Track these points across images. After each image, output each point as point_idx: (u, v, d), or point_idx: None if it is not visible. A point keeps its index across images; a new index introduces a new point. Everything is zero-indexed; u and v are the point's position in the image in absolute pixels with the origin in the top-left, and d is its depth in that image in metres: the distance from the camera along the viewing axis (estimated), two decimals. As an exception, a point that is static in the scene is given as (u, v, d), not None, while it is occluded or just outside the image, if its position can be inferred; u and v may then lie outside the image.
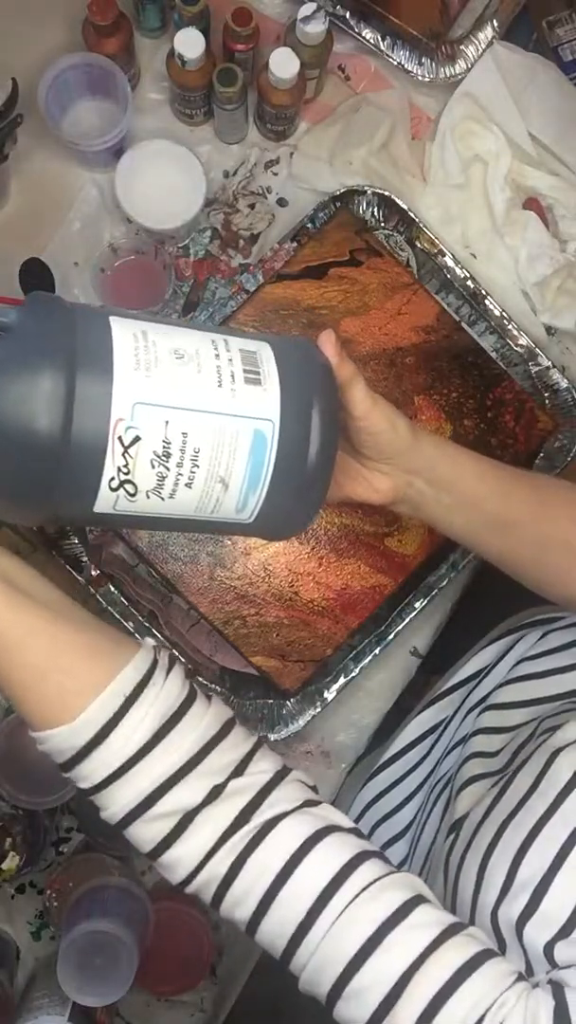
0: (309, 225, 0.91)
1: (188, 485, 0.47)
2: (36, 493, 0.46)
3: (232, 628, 0.86)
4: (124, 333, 0.47)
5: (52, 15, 0.92)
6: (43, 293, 0.48)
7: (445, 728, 0.85)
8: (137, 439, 0.45)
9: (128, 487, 0.46)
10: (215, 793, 0.49)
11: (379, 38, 0.93)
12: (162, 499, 0.47)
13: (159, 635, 0.87)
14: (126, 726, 0.48)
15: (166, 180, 0.89)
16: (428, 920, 0.48)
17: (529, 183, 0.96)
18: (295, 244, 0.91)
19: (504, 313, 0.93)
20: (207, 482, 0.48)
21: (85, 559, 0.86)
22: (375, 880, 0.49)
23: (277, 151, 0.96)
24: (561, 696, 0.75)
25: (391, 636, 0.88)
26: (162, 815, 0.49)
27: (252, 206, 0.94)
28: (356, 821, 0.83)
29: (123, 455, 0.45)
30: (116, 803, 0.49)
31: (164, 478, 0.47)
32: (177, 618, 0.90)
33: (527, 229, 0.95)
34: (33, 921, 0.92)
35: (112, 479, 0.46)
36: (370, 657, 0.88)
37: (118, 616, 0.85)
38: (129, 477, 0.46)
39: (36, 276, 0.90)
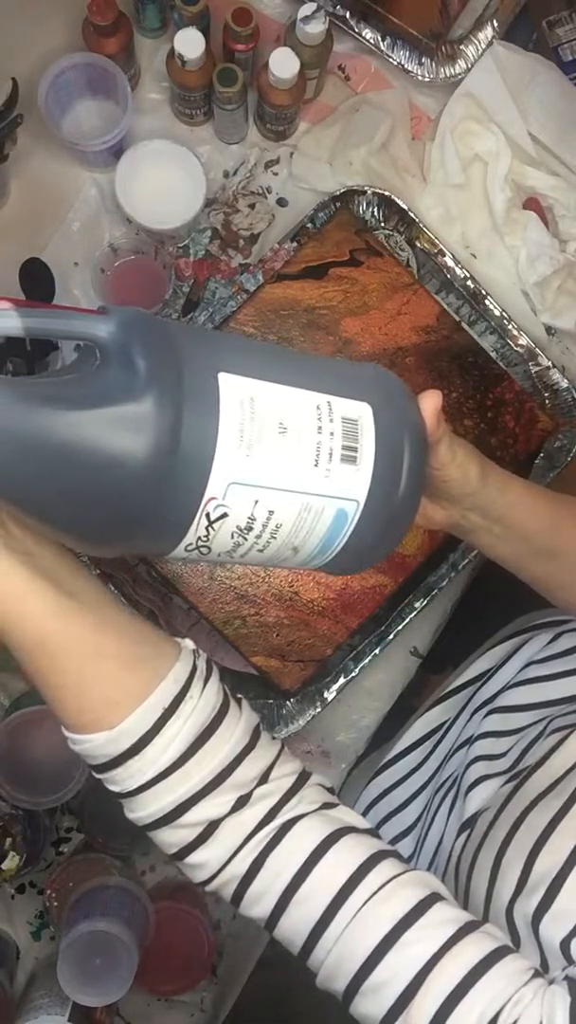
0: (309, 225, 0.91)
1: (261, 551, 0.47)
2: (116, 539, 0.45)
3: (232, 628, 0.86)
4: (232, 399, 0.44)
5: (52, 15, 0.92)
6: (136, 311, 0.45)
7: (450, 727, 0.85)
8: (224, 516, 0.44)
9: (203, 549, 0.46)
10: (241, 803, 0.50)
11: (379, 38, 0.93)
12: (232, 558, 0.48)
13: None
14: (163, 737, 0.48)
15: (166, 180, 0.89)
16: (445, 917, 0.48)
17: (529, 183, 0.96)
18: (295, 244, 0.91)
19: (504, 313, 0.93)
20: (279, 549, 0.48)
21: (85, 559, 0.86)
22: (392, 878, 0.49)
23: (277, 151, 0.96)
24: (569, 699, 0.75)
25: (391, 636, 0.88)
26: (189, 824, 0.50)
27: (252, 206, 0.94)
28: None
29: (207, 528, 0.44)
30: (145, 809, 0.49)
31: (240, 546, 0.46)
32: (177, 618, 0.90)
33: (527, 229, 0.95)
34: (33, 921, 0.92)
35: (189, 544, 0.45)
36: (370, 657, 0.88)
37: (118, 616, 0.85)
38: (207, 544, 0.45)
39: (36, 276, 0.90)
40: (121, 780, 0.49)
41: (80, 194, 0.93)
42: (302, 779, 0.53)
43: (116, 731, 0.48)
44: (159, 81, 0.94)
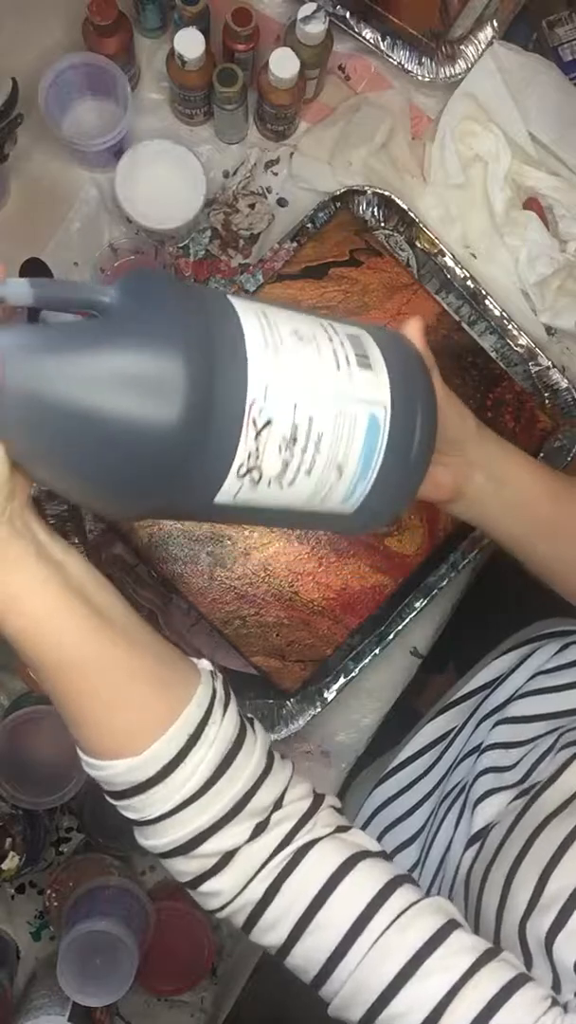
0: (309, 225, 0.91)
1: (308, 472, 0.46)
2: (160, 483, 0.43)
3: (232, 628, 0.86)
4: (248, 313, 0.45)
5: (52, 15, 0.92)
6: (150, 273, 0.46)
7: (457, 735, 0.84)
8: (269, 423, 0.43)
9: (254, 474, 0.44)
10: (258, 830, 0.49)
11: (379, 38, 0.93)
12: (281, 487, 0.46)
13: (159, 635, 0.87)
14: (189, 765, 0.47)
15: (166, 180, 0.89)
16: (463, 946, 0.48)
17: (529, 183, 0.96)
18: (295, 244, 0.91)
19: (504, 313, 0.93)
20: (325, 469, 0.47)
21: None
22: (409, 907, 0.49)
23: (277, 151, 0.96)
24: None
25: (391, 636, 0.88)
26: (205, 854, 0.49)
27: (252, 206, 0.94)
28: (365, 826, 0.84)
29: (255, 439, 0.43)
30: (163, 838, 0.48)
31: (288, 464, 0.45)
32: (177, 618, 0.90)
33: (527, 229, 0.95)
34: (33, 921, 0.92)
35: (241, 465, 0.44)
36: (370, 657, 0.88)
37: (118, 616, 0.85)
38: (257, 463, 0.44)
39: (36, 276, 0.90)
40: (142, 808, 0.47)
41: (80, 194, 0.93)
42: (316, 802, 0.52)
43: (142, 758, 0.46)
44: (159, 81, 0.94)
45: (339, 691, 0.88)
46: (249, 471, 0.44)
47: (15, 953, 0.91)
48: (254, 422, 0.43)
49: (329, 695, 0.88)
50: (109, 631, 0.47)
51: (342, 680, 0.88)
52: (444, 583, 0.89)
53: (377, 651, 0.88)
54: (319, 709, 0.88)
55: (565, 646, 0.81)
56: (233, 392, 0.42)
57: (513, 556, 0.67)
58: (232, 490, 0.44)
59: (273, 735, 0.87)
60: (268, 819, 0.50)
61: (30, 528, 0.46)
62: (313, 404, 0.45)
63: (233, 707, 0.51)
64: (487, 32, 0.94)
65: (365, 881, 0.49)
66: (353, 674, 0.88)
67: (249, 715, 0.53)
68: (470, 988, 0.46)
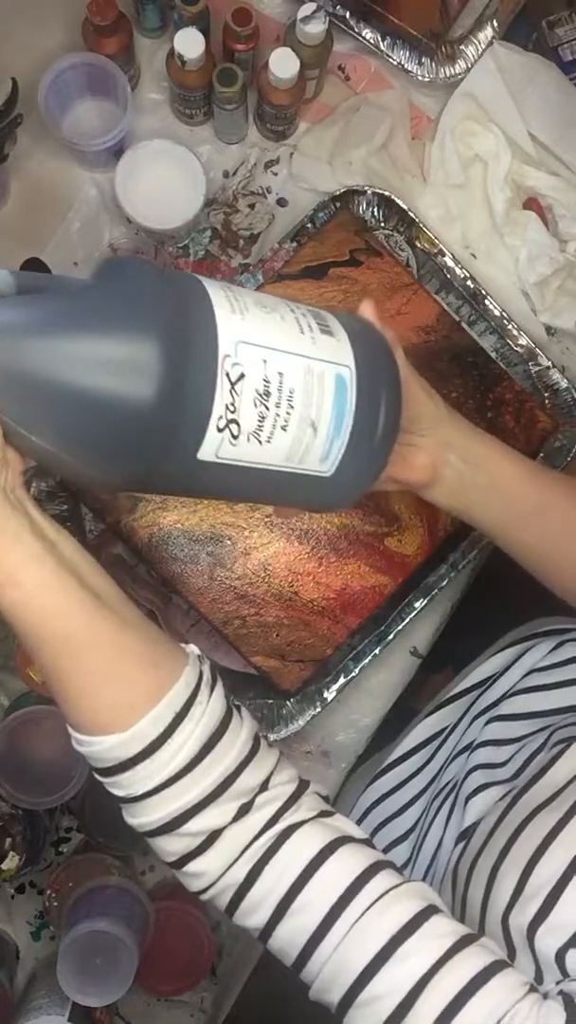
0: (309, 225, 0.91)
1: (284, 427, 0.49)
2: (143, 444, 0.46)
3: (232, 628, 0.86)
4: (213, 285, 0.49)
5: (52, 15, 0.92)
6: (123, 258, 0.51)
7: (451, 732, 0.84)
8: (242, 376, 0.47)
9: (233, 427, 0.47)
10: (243, 811, 0.50)
11: (379, 38, 0.93)
12: (260, 443, 0.48)
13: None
14: (174, 742, 0.48)
15: (166, 180, 0.89)
16: (441, 931, 0.48)
17: (529, 183, 0.96)
18: (295, 244, 0.91)
19: (504, 313, 0.93)
20: (300, 425, 0.49)
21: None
22: (388, 890, 0.49)
23: (277, 151, 0.96)
24: (570, 709, 0.75)
25: (391, 636, 0.88)
26: (191, 833, 0.49)
27: (252, 206, 0.94)
28: (358, 823, 0.83)
29: (230, 391, 0.46)
30: (148, 816, 0.49)
31: (264, 418, 0.48)
32: (177, 618, 0.90)
33: (527, 229, 0.95)
34: (33, 921, 0.92)
35: (220, 417, 0.46)
36: (370, 657, 0.88)
37: (118, 616, 0.85)
38: (235, 416, 0.47)
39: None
40: (128, 784, 0.48)
41: (80, 194, 0.93)
42: (301, 787, 0.53)
43: (129, 734, 0.47)
44: (159, 81, 0.94)
45: (339, 691, 0.88)
46: (228, 424, 0.47)
47: (15, 953, 0.91)
48: (228, 375, 0.46)
49: (329, 695, 0.88)
50: (101, 608, 0.48)
51: (342, 680, 0.88)
52: (444, 583, 0.89)
53: (377, 651, 0.88)
54: (319, 709, 0.88)
55: (559, 644, 0.81)
56: (206, 347, 0.46)
57: (500, 546, 0.68)
58: (214, 445, 0.47)
59: (273, 735, 0.87)
60: (253, 801, 0.50)
61: (24, 504, 0.48)
62: (282, 361, 0.49)
63: (220, 690, 0.51)
64: (487, 32, 0.94)
65: (346, 865, 0.50)
66: (353, 674, 0.88)
67: (236, 702, 0.53)
68: (446, 972, 0.46)
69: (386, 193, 0.92)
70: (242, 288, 0.51)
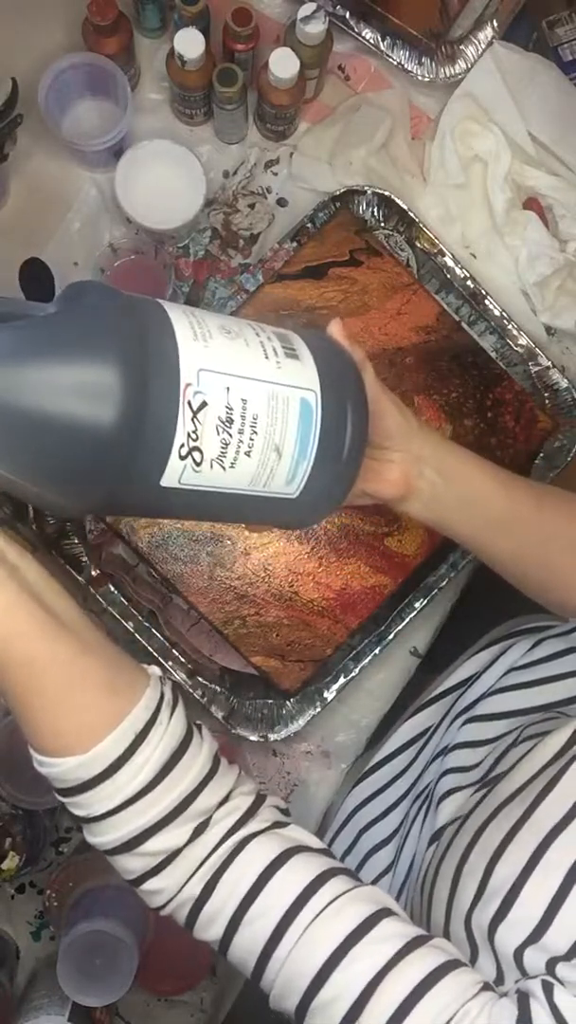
0: (309, 225, 0.91)
1: (248, 453, 0.49)
2: (104, 471, 0.45)
3: (232, 628, 0.86)
4: (176, 311, 0.49)
5: (52, 15, 0.92)
6: (87, 281, 0.50)
7: (432, 735, 0.85)
8: (204, 404, 0.46)
9: (195, 455, 0.47)
10: (199, 830, 0.51)
11: (379, 38, 0.93)
12: (224, 469, 0.49)
13: (159, 635, 0.87)
14: (133, 764, 0.49)
15: (166, 180, 0.89)
16: (391, 933, 0.49)
17: (529, 183, 0.96)
18: (295, 244, 0.91)
19: (504, 313, 0.93)
20: (264, 450, 0.50)
21: (85, 559, 0.86)
22: (340, 895, 0.50)
23: (277, 151, 0.96)
24: (545, 707, 0.75)
25: (391, 636, 0.88)
26: (149, 853, 0.50)
27: (252, 206, 0.94)
28: (342, 827, 0.84)
29: (192, 420, 0.46)
30: (107, 835, 0.50)
31: (227, 445, 0.48)
32: (177, 618, 0.90)
33: (527, 229, 0.95)
34: (33, 921, 0.92)
35: (182, 446, 0.46)
36: (370, 657, 0.88)
37: (118, 616, 0.85)
38: (197, 444, 0.47)
39: (36, 276, 0.90)
40: (88, 804, 0.49)
41: (80, 194, 0.93)
42: (258, 800, 0.53)
43: (89, 755, 0.48)
44: (159, 81, 0.94)
45: (339, 691, 0.88)
46: (191, 452, 0.47)
47: (15, 953, 0.91)
48: (189, 404, 0.46)
49: (329, 695, 0.88)
50: (61, 632, 0.48)
51: (342, 680, 0.88)
52: (444, 583, 0.89)
53: (377, 651, 0.88)
54: (319, 709, 0.88)
55: (537, 642, 0.81)
56: (167, 376, 0.46)
57: (474, 554, 0.68)
58: (176, 472, 0.47)
59: (273, 735, 0.87)
60: (210, 819, 0.51)
61: None
62: (245, 387, 0.49)
63: (181, 711, 0.52)
64: (487, 32, 0.94)
65: (297, 873, 0.50)
66: (353, 674, 0.88)
67: (198, 721, 0.54)
68: (396, 973, 0.47)
69: (386, 193, 0.92)
70: (207, 313, 0.51)
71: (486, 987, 0.47)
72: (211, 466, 0.48)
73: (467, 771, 0.74)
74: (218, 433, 0.47)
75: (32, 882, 0.92)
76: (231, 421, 0.48)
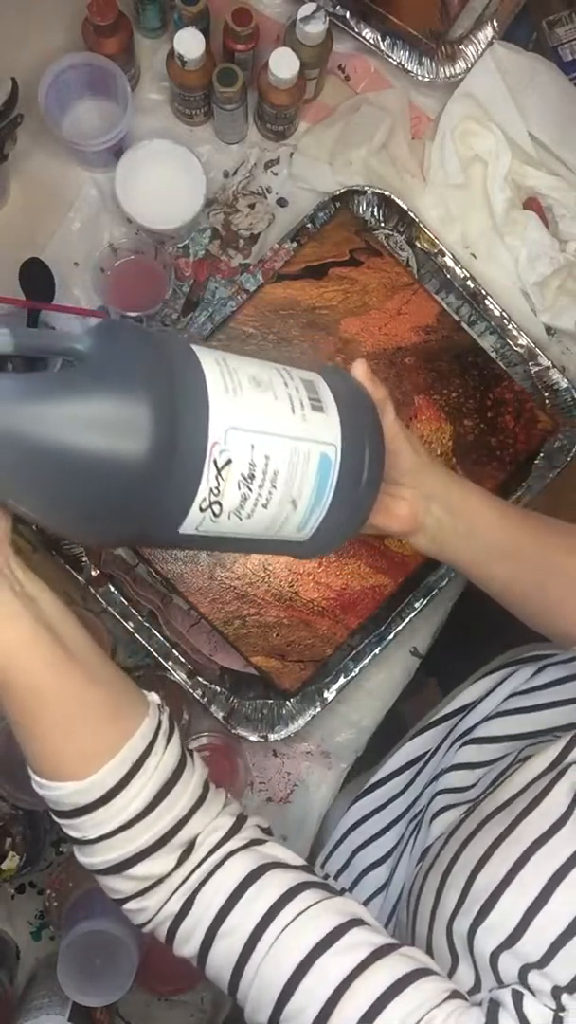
0: (309, 225, 0.91)
1: (265, 506, 0.50)
2: (130, 516, 0.47)
3: (232, 628, 0.86)
4: (208, 360, 0.49)
5: (52, 15, 0.92)
6: (119, 323, 0.50)
7: (430, 758, 0.85)
8: (229, 462, 0.47)
9: (215, 507, 0.48)
10: (184, 856, 0.52)
11: (379, 38, 0.93)
12: (240, 519, 0.50)
13: (159, 635, 0.87)
14: (130, 792, 0.50)
15: (166, 180, 0.89)
16: (360, 941, 0.49)
17: (529, 183, 0.96)
18: (295, 244, 0.91)
19: (504, 313, 0.93)
20: (281, 503, 0.51)
21: (85, 559, 0.86)
22: (310, 906, 0.50)
23: (277, 151, 0.96)
24: (544, 732, 0.75)
25: (391, 636, 0.88)
26: (136, 876, 0.52)
27: (252, 206, 0.94)
28: (337, 845, 0.84)
29: (216, 477, 0.47)
30: (99, 856, 0.51)
31: (247, 499, 0.49)
32: (177, 618, 0.90)
33: (527, 229, 0.95)
34: (33, 921, 0.92)
35: (204, 500, 0.47)
36: (370, 657, 0.88)
37: (118, 616, 0.85)
38: (218, 498, 0.48)
39: (36, 276, 0.90)
40: (83, 828, 0.50)
41: (80, 194, 0.93)
42: (240, 821, 0.55)
43: (87, 782, 0.49)
44: (159, 81, 0.94)
45: (339, 691, 0.88)
46: (211, 505, 0.48)
47: (15, 953, 0.91)
48: (215, 462, 0.47)
49: (329, 695, 0.88)
50: (71, 664, 0.50)
51: (342, 680, 0.88)
52: (444, 583, 0.89)
53: (377, 651, 0.88)
54: (319, 709, 0.88)
55: (541, 668, 0.82)
56: (196, 437, 0.46)
57: (475, 583, 0.69)
58: (195, 522, 0.48)
59: (273, 735, 0.87)
60: (194, 844, 0.53)
61: (9, 564, 0.49)
62: (269, 444, 0.49)
63: (176, 740, 0.54)
64: (487, 32, 0.94)
65: (270, 887, 0.51)
66: (353, 674, 0.88)
67: (190, 748, 0.56)
68: (363, 980, 0.47)
69: (386, 193, 0.92)
70: (239, 360, 0.51)
71: (455, 995, 0.47)
72: (228, 516, 0.49)
73: (460, 792, 0.75)
74: (239, 488, 0.48)
75: (32, 882, 0.92)
76: (253, 477, 0.49)
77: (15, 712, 0.50)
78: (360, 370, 0.59)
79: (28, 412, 0.43)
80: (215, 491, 0.47)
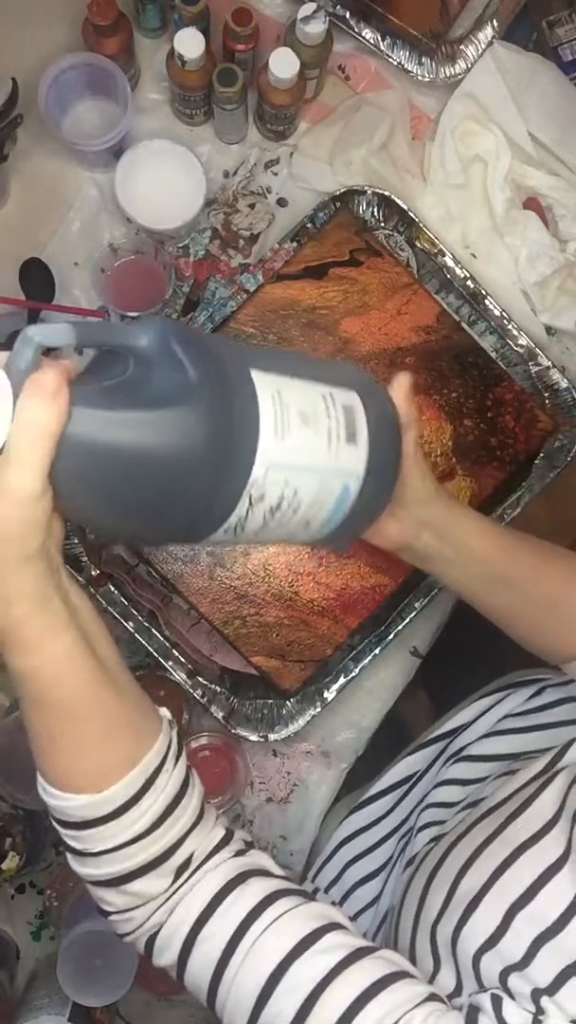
0: (309, 225, 0.91)
1: (280, 526, 0.52)
2: (160, 533, 0.49)
3: (232, 628, 0.86)
4: (265, 393, 0.49)
5: (52, 15, 0.92)
6: (177, 324, 0.49)
7: (422, 777, 0.85)
8: (262, 497, 0.49)
9: (237, 529, 0.50)
10: (178, 875, 0.52)
11: (379, 38, 0.93)
12: (255, 535, 0.52)
13: (159, 635, 0.87)
14: (138, 809, 0.50)
15: (166, 180, 0.89)
16: (336, 944, 0.49)
17: (529, 183, 0.96)
18: (295, 244, 0.91)
19: (504, 313, 0.93)
20: (296, 525, 0.53)
21: (85, 559, 0.86)
22: (287, 911, 0.50)
23: (277, 151, 0.96)
24: (536, 753, 0.75)
25: (391, 636, 0.88)
26: (131, 892, 0.51)
27: (252, 206, 0.94)
28: (329, 857, 0.85)
29: (247, 509, 0.49)
30: (100, 869, 0.51)
31: (268, 523, 0.51)
32: (177, 618, 0.90)
33: (527, 229, 0.95)
34: (33, 921, 0.92)
35: (229, 525, 0.49)
36: (370, 657, 0.88)
37: (118, 616, 0.85)
38: (243, 523, 0.50)
39: (36, 276, 0.90)
40: (88, 840, 0.50)
41: (80, 194, 0.93)
42: (227, 837, 0.55)
43: (102, 796, 0.49)
44: (159, 81, 0.94)
45: (339, 691, 0.88)
46: (235, 527, 0.50)
47: (15, 953, 0.91)
48: (250, 497, 0.49)
49: (329, 695, 0.88)
50: (104, 679, 0.49)
51: (342, 680, 0.88)
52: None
53: (377, 651, 0.88)
54: (319, 709, 0.88)
55: (539, 690, 0.82)
56: (239, 479, 0.48)
57: (466, 601, 0.69)
58: (217, 538, 0.51)
59: (273, 735, 0.87)
60: (190, 861, 0.52)
61: (59, 571, 0.48)
62: (301, 479, 0.51)
63: (183, 757, 0.54)
64: (487, 32, 0.94)
65: (248, 895, 0.51)
66: (353, 674, 0.88)
67: (188, 763, 0.55)
68: (339, 983, 0.47)
69: (386, 193, 0.92)
70: (294, 386, 0.51)
71: (433, 998, 0.47)
72: (246, 533, 0.51)
73: (449, 807, 0.75)
74: (263, 516, 0.50)
75: (32, 882, 0.92)
76: (279, 508, 0.51)
77: (40, 722, 0.49)
78: (402, 389, 0.59)
79: (102, 425, 0.44)
80: (243, 518, 0.49)
